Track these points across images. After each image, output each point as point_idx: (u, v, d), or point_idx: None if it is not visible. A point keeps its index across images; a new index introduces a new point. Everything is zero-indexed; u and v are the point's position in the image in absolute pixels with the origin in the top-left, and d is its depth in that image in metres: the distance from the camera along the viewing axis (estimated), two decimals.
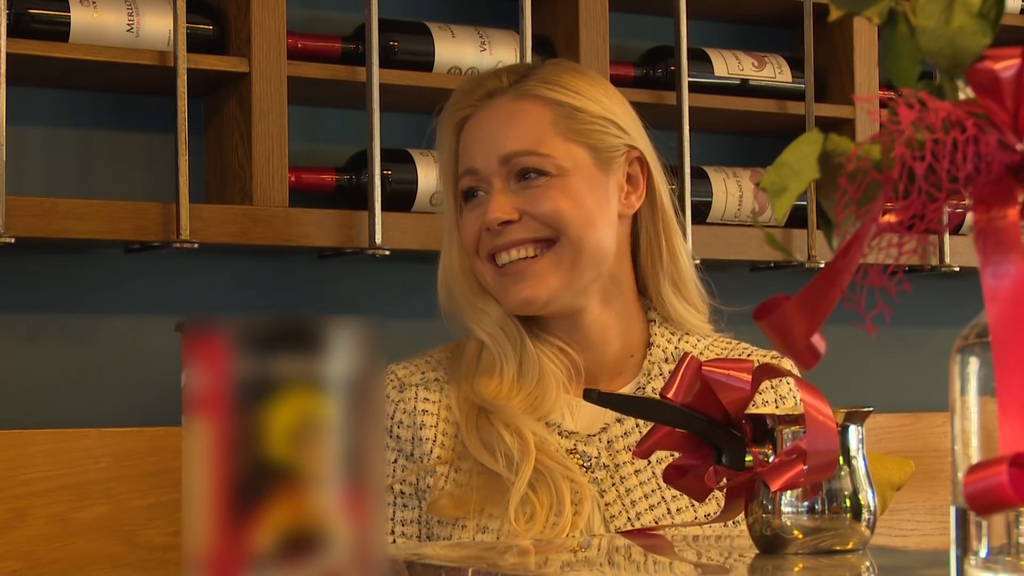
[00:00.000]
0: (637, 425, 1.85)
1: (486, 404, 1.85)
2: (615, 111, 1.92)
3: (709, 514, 1.79)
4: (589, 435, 1.86)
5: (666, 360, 1.91)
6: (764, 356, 1.92)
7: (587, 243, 1.87)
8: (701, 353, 1.92)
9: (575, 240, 1.86)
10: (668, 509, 1.83)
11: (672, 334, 1.93)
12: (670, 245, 1.95)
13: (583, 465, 1.84)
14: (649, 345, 1.92)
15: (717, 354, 1.93)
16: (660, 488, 1.83)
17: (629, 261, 1.94)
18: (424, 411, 1.89)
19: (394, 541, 1.87)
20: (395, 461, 1.90)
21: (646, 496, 1.83)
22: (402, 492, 1.89)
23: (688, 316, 1.94)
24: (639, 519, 1.82)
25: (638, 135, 1.94)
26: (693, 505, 1.80)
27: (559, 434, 1.86)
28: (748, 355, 1.93)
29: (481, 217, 1.89)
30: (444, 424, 1.88)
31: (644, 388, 1.89)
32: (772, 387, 1.90)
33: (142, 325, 2.35)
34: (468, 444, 1.84)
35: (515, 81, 1.92)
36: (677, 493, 1.81)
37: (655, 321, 1.94)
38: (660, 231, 1.94)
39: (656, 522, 1.81)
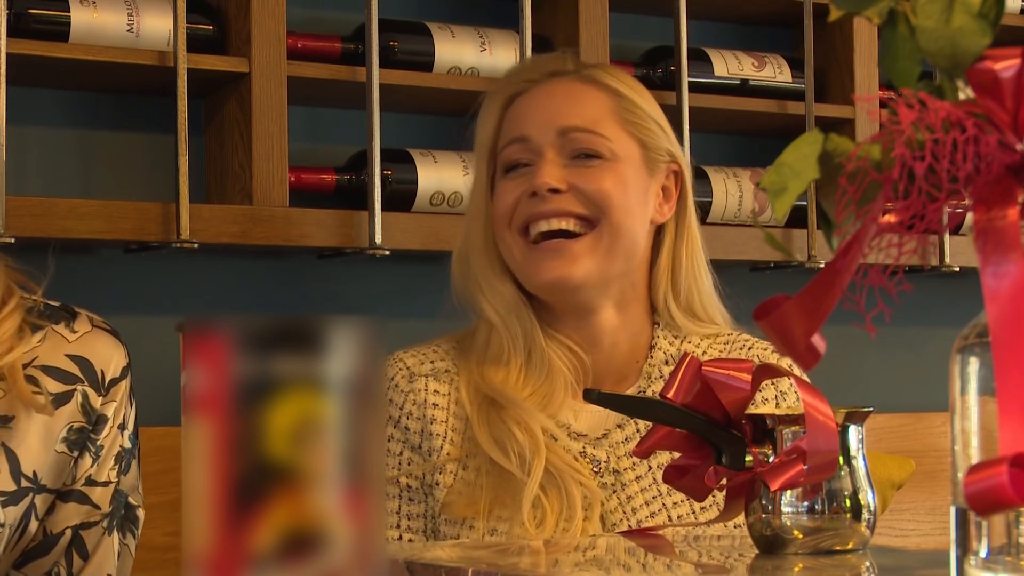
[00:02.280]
0: (638, 431, 1.85)
1: (495, 394, 1.85)
2: (662, 117, 1.96)
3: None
4: (596, 438, 1.86)
5: (667, 362, 1.91)
6: (766, 349, 1.93)
7: (625, 232, 1.88)
8: (704, 352, 1.92)
9: (616, 225, 1.86)
10: (669, 516, 1.82)
11: (675, 337, 1.93)
12: (692, 266, 1.95)
13: (594, 470, 1.84)
14: (651, 348, 1.92)
15: (719, 350, 1.93)
16: (661, 495, 1.82)
17: (647, 270, 1.94)
18: (435, 404, 1.88)
19: (400, 536, 1.87)
20: (401, 454, 1.89)
21: (647, 503, 1.83)
22: (408, 486, 1.88)
23: (696, 330, 1.95)
24: (639, 525, 1.81)
25: (677, 146, 1.96)
26: (694, 512, 1.80)
27: (568, 436, 1.85)
28: (750, 347, 1.93)
29: (522, 185, 1.88)
30: (454, 419, 1.87)
31: (644, 392, 1.89)
32: (773, 383, 1.90)
33: (142, 325, 2.35)
34: (479, 438, 1.83)
35: (578, 67, 1.94)
36: (679, 499, 1.81)
37: (659, 324, 1.94)
38: (683, 251, 1.95)
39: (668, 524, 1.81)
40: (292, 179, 2.33)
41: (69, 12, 2.19)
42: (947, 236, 2.83)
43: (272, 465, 0.69)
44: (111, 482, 1.68)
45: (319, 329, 0.70)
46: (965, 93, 1.02)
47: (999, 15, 1.03)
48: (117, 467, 1.68)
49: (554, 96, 1.91)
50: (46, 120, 2.33)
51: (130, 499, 1.71)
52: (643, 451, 1.48)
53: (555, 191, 1.86)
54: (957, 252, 2.83)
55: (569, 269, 1.86)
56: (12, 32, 2.12)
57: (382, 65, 2.35)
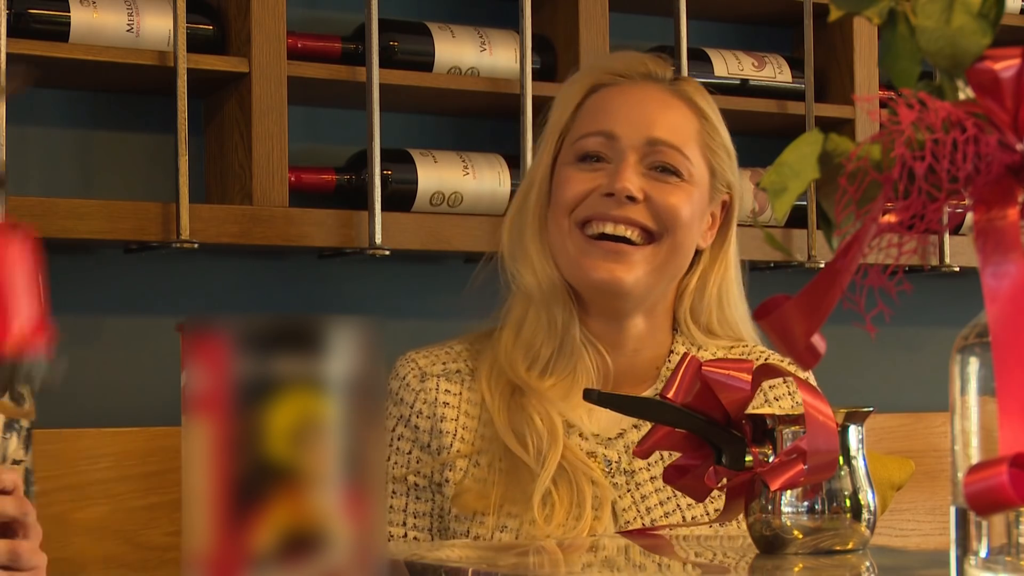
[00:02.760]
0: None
1: (520, 381, 1.85)
2: (731, 146, 1.96)
3: None
4: (609, 439, 1.86)
5: None
6: (782, 361, 1.92)
7: (682, 252, 1.90)
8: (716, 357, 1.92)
9: (676, 244, 1.88)
10: (683, 517, 1.82)
11: (692, 344, 1.94)
12: (718, 291, 1.95)
13: (604, 469, 1.84)
14: (670, 353, 1.93)
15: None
16: (675, 495, 1.82)
17: (675, 287, 1.95)
18: (445, 403, 1.88)
19: (405, 534, 1.87)
20: (410, 452, 1.89)
21: (661, 503, 1.83)
22: (416, 484, 1.88)
23: (713, 347, 1.95)
24: (653, 525, 1.82)
25: (736, 181, 1.96)
26: (708, 513, 1.80)
27: (579, 435, 1.85)
28: (767, 358, 1.93)
29: (597, 180, 1.88)
30: (465, 418, 1.87)
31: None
32: (790, 394, 1.90)
33: (142, 325, 2.35)
34: (497, 425, 1.83)
35: (674, 76, 1.95)
36: (692, 500, 1.81)
37: (678, 330, 1.95)
38: (714, 277, 1.95)
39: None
40: (292, 179, 2.33)
41: (69, 12, 2.19)
42: (947, 236, 2.83)
43: (272, 465, 0.69)
44: (23, 461, 1.67)
45: (319, 329, 0.70)
46: (965, 93, 1.02)
47: (999, 15, 1.03)
48: (25, 446, 1.67)
49: (647, 102, 1.91)
50: (46, 120, 2.33)
51: (29, 469, 1.70)
52: (643, 451, 1.48)
53: (632, 199, 1.86)
54: (957, 252, 2.83)
55: (623, 274, 1.86)
56: (12, 32, 2.12)
57: (382, 65, 2.35)
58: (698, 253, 1.95)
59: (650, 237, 1.87)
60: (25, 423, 1.67)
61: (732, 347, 1.96)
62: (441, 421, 1.87)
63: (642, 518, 1.82)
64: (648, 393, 1.91)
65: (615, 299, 1.88)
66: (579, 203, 1.88)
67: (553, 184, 1.92)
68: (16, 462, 1.66)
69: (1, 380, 1.29)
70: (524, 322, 1.90)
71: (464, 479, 1.84)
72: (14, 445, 1.66)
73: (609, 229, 1.86)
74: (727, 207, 1.96)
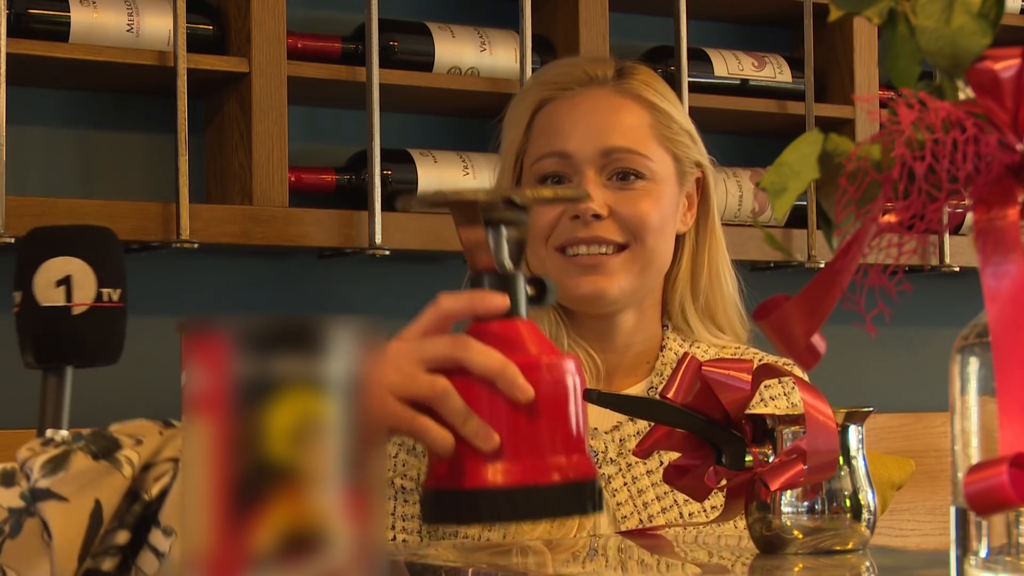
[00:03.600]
0: (650, 424, 1.85)
1: None
2: (691, 125, 1.95)
3: None
4: (594, 429, 1.86)
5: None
6: (776, 363, 1.92)
7: (657, 252, 1.88)
8: (712, 357, 1.92)
9: (650, 248, 1.86)
10: (680, 513, 1.82)
11: (684, 340, 1.94)
12: (714, 270, 1.94)
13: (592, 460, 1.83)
14: (662, 348, 1.93)
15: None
16: (673, 490, 1.82)
17: (664, 275, 1.94)
18: None
19: (394, 537, 1.87)
20: (396, 455, 1.89)
21: (659, 498, 1.83)
22: (403, 487, 1.88)
23: (709, 338, 1.94)
24: (651, 520, 1.81)
25: (705, 158, 1.95)
26: (705, 509, 1.80)
27: None
28: (760, 360, 1.92)
29: (563, 205, 1.88)
30: None
31: (656, 388, 1.89)
32: (785, 394, 1.90)
33: (142, 325, 2.35)
34: None
35: (616, 76, 1.92)
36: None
37: (667, 326, 1.94)
38: (705, 255, 1.94)
39: (668, 524, 1.81)
40: (292, 179, 2.33)
41: (69, 12, 2.19)
42: (947, 236, 2.83)
43: (272, 465, 0.69)
44: None
45: (319, 329, 0.70)
46: (965, 93, 1.02)
47: (999, 15, 1.03)
48: None
49: (594, 110, 1.89)
50: (46, 120, 2.33)
51: None
52: (643, 451, 1.48)
53: (597, 216, 1.86)
54: (957, 252, 2.83)
55: (605, 285, 1.85)
56: (12, 32, 2.12)
57: (382, 65, 2.35)
58: (682, 237, 1.94)
59: (621, 247, 1.87)
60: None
61: (724, 347, 1.95)
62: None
63: (639, 513, 1.81)
64: (641, 386, 1.91)
65: (602, 308, 1.88)
66: (552, 229, 1.88)
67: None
68: None
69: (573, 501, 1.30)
70: None
71: None
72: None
73: (583, 250, 1.86)
74: (702, 184, 1.94)
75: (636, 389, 1.91)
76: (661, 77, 2.01)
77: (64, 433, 1.52)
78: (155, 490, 1.22)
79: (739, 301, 1.97)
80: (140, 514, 1.21)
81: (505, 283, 1.42)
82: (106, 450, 1.23)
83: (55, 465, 1.20)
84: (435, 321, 1.41)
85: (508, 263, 1.43)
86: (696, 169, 1.93)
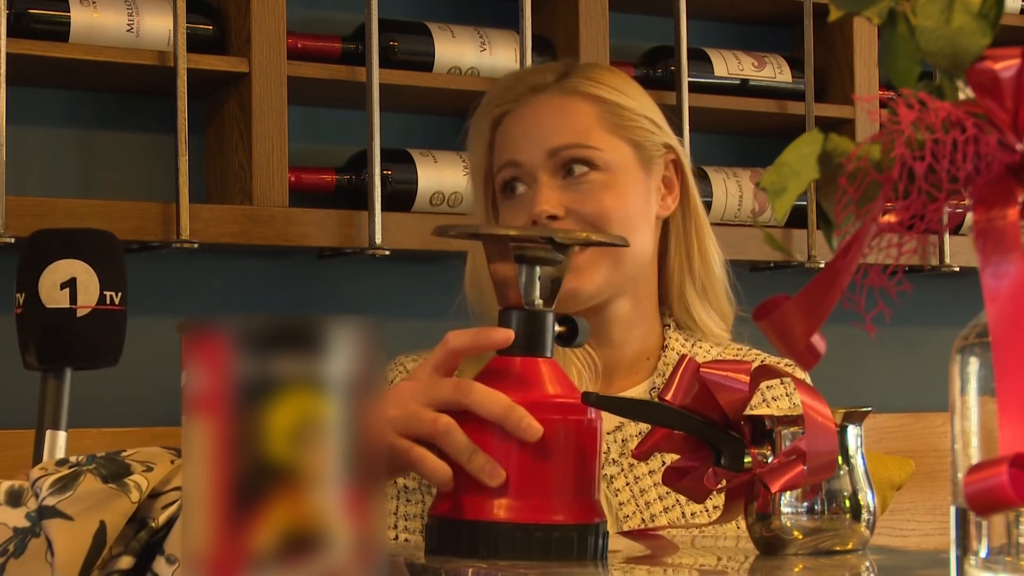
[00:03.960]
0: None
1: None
2: (653, 110, 1.94)
3: None
4: (607, 432, 1.86)
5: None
6: (777, 364, 1.91)
7: (631, 242, 1.87)
8: (714, 358, 1.92)
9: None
10: (683, 512, 1.82)
11: (686, 339, 1.94)
12: (703, 249, 1.95)
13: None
14: (663, 348, 1.92)
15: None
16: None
17: (656, 264, 1.94)
18: None
19: (396, 536, 1.87)
20: None
21: (660, 498, 1.83)
22: (405, 487, 1.88)
23: (710, 324, 1.94)
24: (654, 520, 1.81)
25: (672, 137, 1.94)
26: (707, 509, 1.80)
27: None
28: (762, 362, 1.92)
29: (523, 212, 1.88)
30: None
31: (658, 388, 1.89)
32: (787, 395, 1.90)
33: (142, 325, 2.35)
34: None
35: (559, 78, 1.92)
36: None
37: (669, 326, 1.94)
38: (693, 235, 1.94)
39: (671, 524, 1.81)
40: (292, 179, 2.33)
41: (69, 12, 2.19)
42: (947, 236, 2.83)
43: (272, 465, 0.69)
44: None
45: (319, 329, 0.70)
46: (965, 93, 1.02)
47: (999, 15, 1.03)
48: None
49: (538, 115, 1.89)
50: (46, 120, 2.33)
51: None
52: (642, 453, 1.48)
53: (553, 217, 1.86)
54: (957, 252, 2.83)
55: (576, 284, 1.84)
56: (12, 32, 2.12)
57: (382, 65, 2.35)
58: (668, 221, 1.94)
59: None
60: None
61: (726, 347, 1.95)
62: None
63: (641, 512, 1.81)
64: (643, 387, 1.91)
65: (582, 305, 1.87)
66: None
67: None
68: None
69: None
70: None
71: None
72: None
73: None
74: (678, 166, 1.95)
75: (638, 390, 1.91)
76: (618, 70, 2.01)
77: (63, 435, 1.53)
78: (162, 518, 1.23)
79: (727, 281, 1.97)
80: (145, 541, 1.22)
81: (532, 321, 1.42)
82: (116, 474, 1.24)
83: (64, 484, 1.21)
84: (444, 359, 1.43)
85: (538, 301, 1.43)
86: (666, 151, 1.93)
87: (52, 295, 1.59)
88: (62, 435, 1.56)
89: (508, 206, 1.90)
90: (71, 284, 1.59)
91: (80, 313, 1.60)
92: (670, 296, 1.95)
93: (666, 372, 1.90)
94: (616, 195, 1.87)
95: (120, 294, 1.61)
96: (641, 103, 1.93)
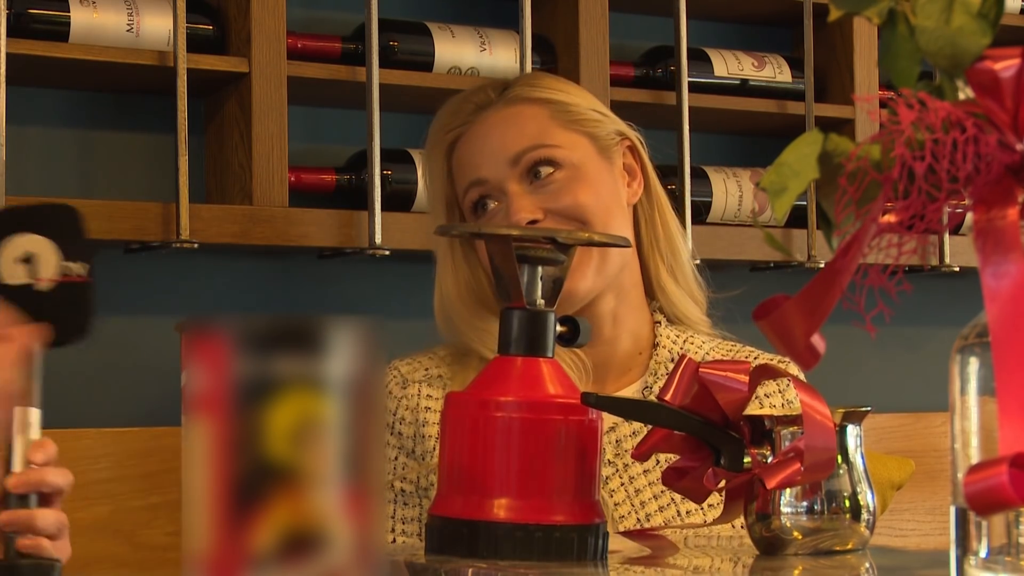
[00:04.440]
0: (646, 424, 1.84)
1: None
2: (596, 103, 1.95)
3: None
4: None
5: (672, 360, 1.90)
6: (771, 360, 1.91)
7: (609, 232, 1.87)
8: (707, 354, 1.91)
9: (605, 231, 1.85)
10: (678, 511, 1.82)
11: (678, 335, 1.93)
12: (667, 231, 1.95)
13: None
14: (655, 345, 1.92)
15: (721, 357, 1.92)
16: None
17: (636, 253, 1.94)
18: (427, 408, 1.88)
19: (394, 540, 1.87)
20: (396, 459, 1.89)
21: (655, 497, 1.83)
22: (403, 490, 1.88)
23: (687, 306, 1.94)
24: (649, 520, 1.81)
25: (621, 123, 1.95)
26: (703, 508, 1.80)
27: None
28: (755, 359, 1.92)
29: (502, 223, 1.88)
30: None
31: (651, 387, 1.89)
32: (780, 391, 1.89)
33: (142, 325, 2.35)
34: None
35: (501, 91, 1.93)
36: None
37: (660, 322, 1.94)
38: (657, 219, 1.95)
39: (666, 523, 1.81)
40: (292, 179, 2.33)
41: (69, 12, 2.19)
42: (947, 236, 2.83)
43: (272, 465, 0.70)
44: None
45: (319, 329, 0.70)
46: (965, 93, 1.02)
47: (999, 15, 1.03)
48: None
49: (490, 130, 1.90)
50: (46, 120, 2.33)
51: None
52: (641, 453, 1.48)
53: (533, 222, 1.85)
54: (957, 252, 2.83)
55: (572, 283, 1.84)
56: (12, 32, 2.12)
57: (382, 65, 2.35)
58: (636, 207, 1.94)
59: None
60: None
61: (719, 344, 1.95)
62: (424, 426, 1.87)
63: (637, 512, 1.81)
64: (636, 387, 1.90)
65: (577, 305, 1.86)
66: None
67: (471, 248, 1.90)
68: None
69: None
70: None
71: None
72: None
73: None
74: (634, 151, 1.95)
75: (631, 390, 1.90)
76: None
77: (36, 412, 1.55)
78: None
79: (692, 262, 1.97)
80: None
81: (533, 321, 1.42)
82: None
83: None
84: None
85: (539, 301, 1.43)
86: (621, 139, 1.93)
87: (11, 271, 1.59)
88: (35, 412, 1.56)
89: (480, 223, 1.90)
90: (29, 259, 1.59)
91: (40, 287, 1.60)
92: (651, 283, 1.95)
93: (658, 371, 1.90)
94: (586, 188, 1.87)
95: (87, 266, 1.60)
96: (584, 97, 1.94)
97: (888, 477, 2.38)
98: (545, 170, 1.87)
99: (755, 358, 1.92)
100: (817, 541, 1.39)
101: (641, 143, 1.96)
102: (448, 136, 1.93)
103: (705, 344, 1.93)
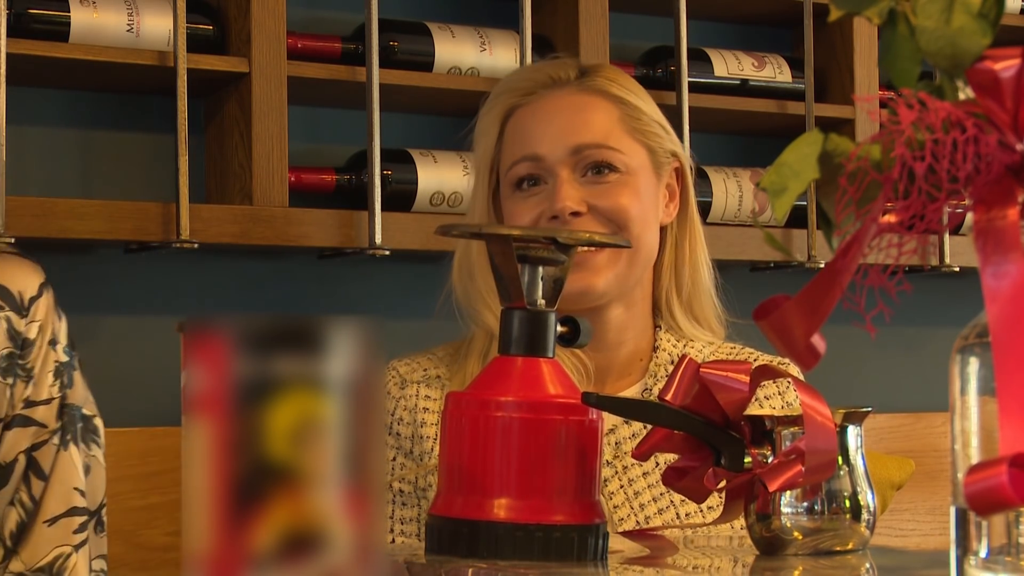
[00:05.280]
0: (645, 426, 1.84)
1: None
2: (662, 116, 1.94)
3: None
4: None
5: (671, 363, 1.90)
6: (770, 362, 1.91)
7: (643, 243, 1.88)
8: (707, 357, 1.91)
9: (634, 239, 1.85)
10: (677, 513, 1.82)
11: (678, 340, 1.93)
12: (694, 261, 1.95)
13: None
14: (655, 348, 1.92)
15: (723, 358, 1.92)
16: (669, 491, 1.82)
17: (652, 269, 1.94)
18: (425, 409, 1.88)
19: (392, 540, 1.87)
20: (394, 459, 1.89)
21: (655, 499, 1.83)
22: (401, 491, 1.88)
23: (696, 334, 1.94)
24: (648, 522, 1.81)
25: (678, 144, 1.95)
26: (702, 510, 1.80)
27: None
28: (755, 360, 1.92)
29: (541, 204, 1.87)
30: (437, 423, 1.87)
31: (651, 390, 1.89)
32: (779, 393, 1.89)
33: (142, 325, 2.35)
34: None
35: (579, 75, 1.92)
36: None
37: (660, 327, 1.94)
38: (687, 246, 1.95)
39: (665, 526, 1.80)
40: (292, 179, 2.33)
41: (69, 12, 2.19)
42: (947, 236, 2.83)
43: (272, 465, 0.69)
44: (53, 398, 1.64)
45: (319, 329, 0.70)
46: (965, 93, 1.02)
47: (999, 15, 1.03)
48: (58, 382, 1.64)
49: (560, 110, 1.89)
50: (46, 120, 2.33)
51: (84, 410, 1.67)
52: (642, 453, 1.48)
53: (576, 214, 1.85)
54: (957, 252, 2.83)
55: (592, 281, 1.85)
56: (12, 32, 2.12)
57: (382, 65, 2.35)
58: (665, 229, 1.95)
59: None
60: (41, 363, 1.64)
61: (719, 346, 1.95)
62: (422, 427, 1.87)
63: (636, 515, 1.81)
64: (635, 388, 1.90)
65: (590, 303, 1.87)
66: None
67: (503, 219, 1.91)
68: (38, 402, 1.63)
69: None
70: (488, 351, 1.88)
71: None
72: (21, 388, 1.62)
73: None
74: (680, 174, 1.95)
75: (631, 392, 1.90)
76: (632, 76, 2.01)
77: None
78: None
79: (715, 295, 1.97)
80: None
81: (533, 321, 1.42)
82: None
83: None
84: None
85: (540, 301, 1.43)
86: (673, 159, 1.94)
87: None
88: None
89: (518, 199, 1.90)
90: None
91: None
92: (660, 301, 1.95)
93: (657, 373, 1.90)
94: (634, 194, 1.88)
95: None
96: (653, 108, 1.94)
97: (888, 477, 2.38)
98: (601, 170, 1.87)
99: (756, 359, 1.92)
100: (817, 541, 1.39)
101: (691, 170, 1.96)
102: (512, 99, 1.92)
103: (705, 348, 1.94)
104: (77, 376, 1.68)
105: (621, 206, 1.86)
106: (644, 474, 1.83)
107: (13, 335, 1.63)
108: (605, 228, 1.86)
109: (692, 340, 1.94)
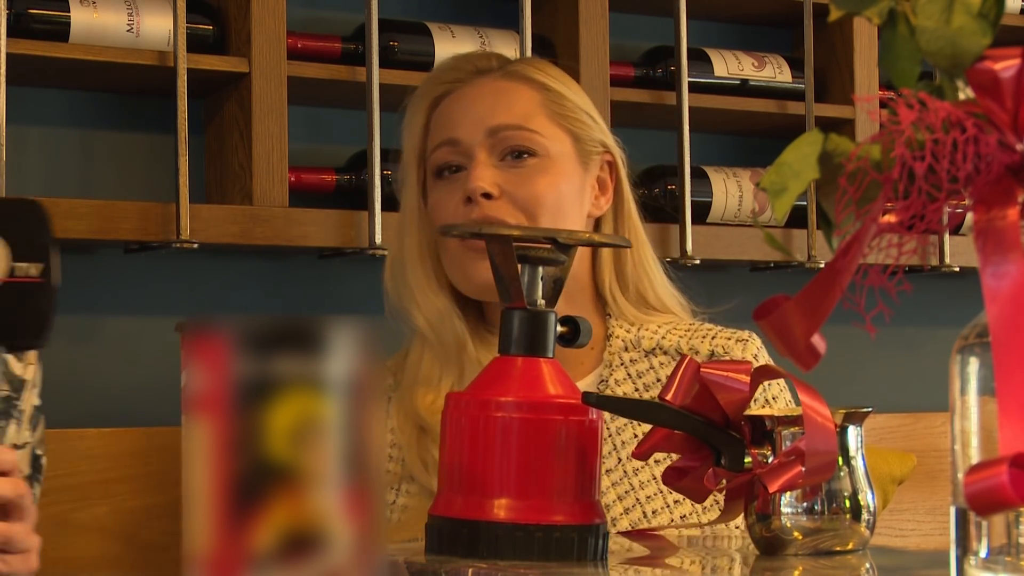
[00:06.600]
0: (628, 423, 1.83)
1: (422, 421, 1.83)
2: (592, 107, 1.93)
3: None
4: None
5: (626, 349, 1.88)
6: (729, 338, 1.88)
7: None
8: (663, 337, 1.88)
9: (545, 228, 1.83)
10: (671, 514, 1.81)
11: (631, 324, 1.90)
12: (637, 256, 1.92)
13: None
14: (608, 337, 1.90)
15: (680, 336, 1.88)
16: (662, 492, 1.81)
17: (589, 263, 1.92)
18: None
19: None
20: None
21: (649, 499, 1.82)
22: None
23: (652, 318, 1.91)
24: (642, 522, 1.81)
25: (609, 136, 1.94)
26: (695, 512, 1.79)
27: None
28: (713, 336, 1.88)
29: (458, 190, 1.85)
30: (393, 436, 1.86)
31: (607, 379, 1.87)
32: (762, 388, 1.88)
33: (142, 325, 2.35)
34: (410, 465, 1.82)
35: (503, 64, 1.92)
36: (680, 496, 1.80)
37: (611, 315, 1.92)
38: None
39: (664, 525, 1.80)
40: (292, 179, 2.33)
41: (69, 12, 2.19)
42: (947, 236, 2.83)
43: (272, 465, 0.70)
44: (28, 443, 1.65)
45: (319, 329, 0.70)
46: (965, 93, 1.02)
47: (999, 15, 1.03)
48: (31, 427, 1.66)
49: (482, 96, 1.88)
50: (46, 120, 2.33)
51: (36, 450, 1.68)
52: (642, 453, 1.48)
53: (488, 196, 1.83)
54: (957, 252, 2.83)
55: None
56: (12, 32, 2.12)
57: (382, 65, 2.35)
58: (599, 223, 1.93)
59: None
60: (27, 406, 1.66)
61: (676, 325, 1.91)
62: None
63: (629, 515, 1.81)
64: (591, 379, 1.88)
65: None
66: (448, 216, 1.85)
67: (428, 208, 1.90)
68: (18, 446, 1.65)
69: None
70: (421, 362, 1.86)
71: (396, 500, 1.83)
72: (12, 430, 1.65)
73: None
74: (613, 168, 1.93)
75: (586, 382, 1.88)
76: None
77: None
78: None
79: (671, 285, 1.95)
80: None
81: (533, 320, 1.42)
82: None
83: None
84: None
85: (540, 301, 1.43)
86: (602, 151, 1.92)
87: None
88: None
89: (440, 187, 1.88)
90: None
91: None
92: (604, 296, 1.92)
93: (612, 362, 1.88)
94: (550, 181, 1.86)
95: (40, 266, 1.57)
96: (582, 97, 1.93)
97: (889, 471, 2.38)
98: (519, 154, 1.86)
99: (713, 337, 1.89)
100: (817, 541, 1.39)
101: (623, 162, 1.94)
102: (437, 89, 1.92)
103: (662, 328, 1.90)
104: (41, 420, 1.69)
105: (535, 193, 1.84)
106: (635, 471, 1.83)
107: (11, 377, 1.64)
108: (519, 214, 1.84)
109: (646, 324, 1.90)
